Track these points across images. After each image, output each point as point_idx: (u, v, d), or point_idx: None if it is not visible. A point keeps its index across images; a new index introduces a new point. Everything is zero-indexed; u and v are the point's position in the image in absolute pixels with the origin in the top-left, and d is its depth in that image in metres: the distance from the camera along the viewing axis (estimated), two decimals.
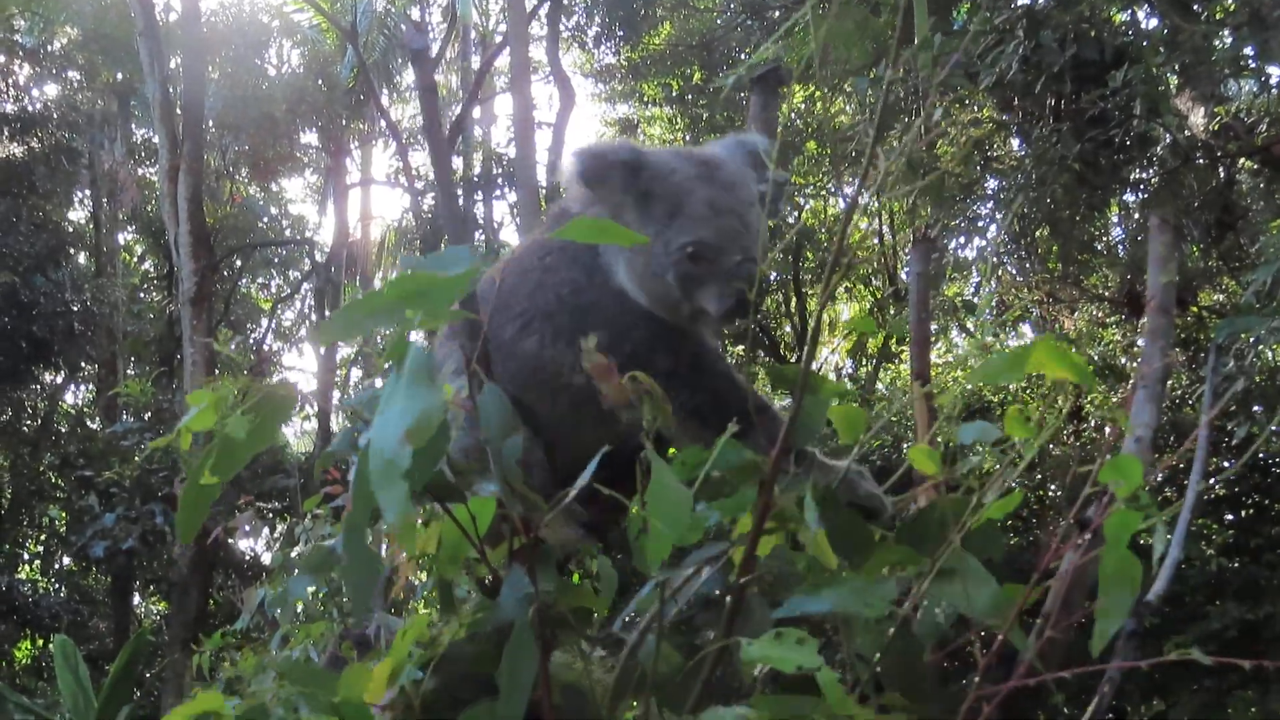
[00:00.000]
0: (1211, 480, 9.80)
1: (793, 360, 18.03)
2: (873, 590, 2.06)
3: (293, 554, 7.66)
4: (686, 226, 2.75)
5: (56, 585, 20.33)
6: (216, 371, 17.07)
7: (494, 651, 1.96)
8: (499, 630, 2.07)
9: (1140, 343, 13.11)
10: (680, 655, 2.12)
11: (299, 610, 6.92)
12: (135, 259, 25.67)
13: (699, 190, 2.76)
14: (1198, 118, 10.28)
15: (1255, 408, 10.91)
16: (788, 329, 19.64)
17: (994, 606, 2.05)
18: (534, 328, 2.94)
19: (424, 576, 2.36)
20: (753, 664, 1.86)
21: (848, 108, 17.17)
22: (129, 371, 22.04)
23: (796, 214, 17.64)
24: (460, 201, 17.68)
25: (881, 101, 2.10)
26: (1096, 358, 14.25)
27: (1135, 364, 13.39)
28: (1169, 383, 12.13)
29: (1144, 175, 10.79)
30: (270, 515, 15.81)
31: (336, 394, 21.81)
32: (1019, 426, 2.19)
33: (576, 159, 2.83)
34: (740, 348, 16.91)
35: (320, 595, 6.54)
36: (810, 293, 19.51)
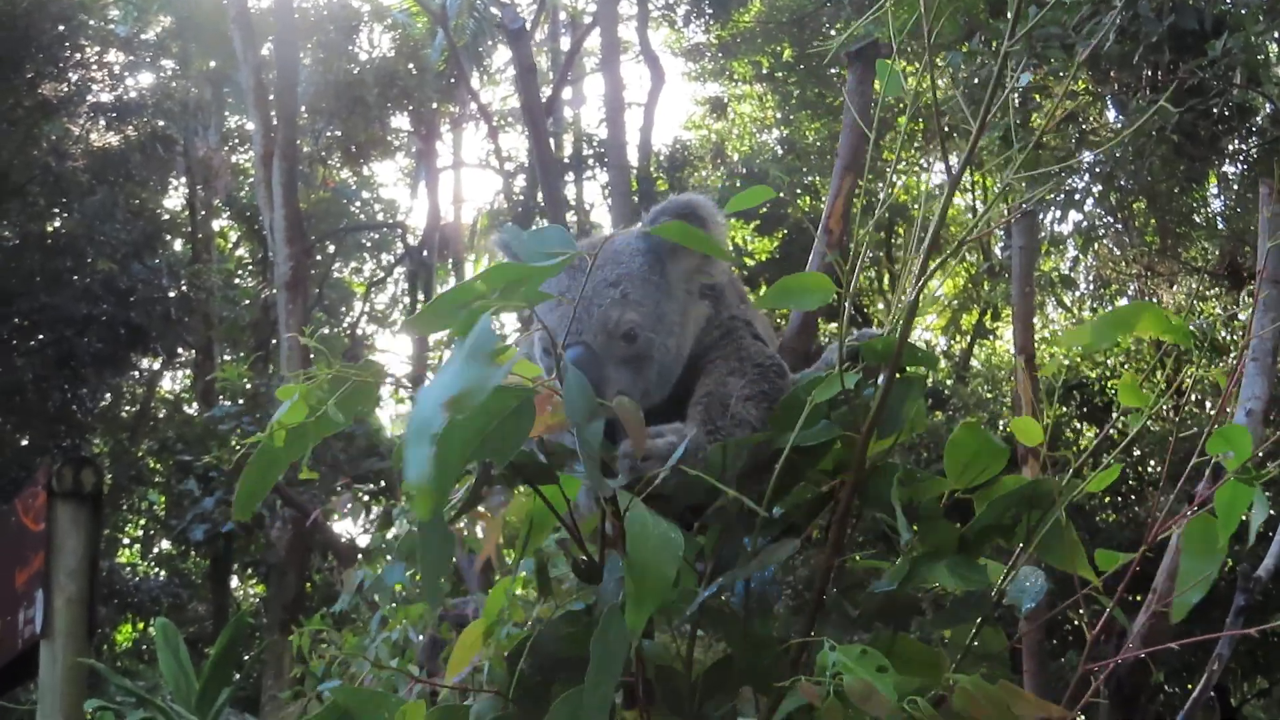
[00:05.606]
0: None
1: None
2: (969, 567, 2.08)
3: (389, 536, 7.70)
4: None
5: (156, 569, 20.56)
6: (311, 356, 17.17)
7: (587, 633, 1.93)
8: (592, 611, 2.05)
9: (1241, 316, 12.89)
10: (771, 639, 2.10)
11: (398, 592, 6.96)
12: (230, 245, 25.87)
13: (553, 283, 2.53)
14: None
15: None
16: (880, 305, 19.46)
17: None
18: None
19: (510, 555, 2.32)
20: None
21: (940, 82, 17.00)
22: (225, 357, 22.21)
23: (889, 190, 17.51)
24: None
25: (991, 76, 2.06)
26: (1196, 331, 14.01)
27: (1235, 337, 13.16)
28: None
29: (1244, 146, 10.61)
30: (366, 498, 15.89)
31: (430, 377, 21.90)
32: (1133, 395, 2.15)
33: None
34: (834, 325, 16.79)
35: (418, 578, 6.55)
36: (901, 268, 19.36)
